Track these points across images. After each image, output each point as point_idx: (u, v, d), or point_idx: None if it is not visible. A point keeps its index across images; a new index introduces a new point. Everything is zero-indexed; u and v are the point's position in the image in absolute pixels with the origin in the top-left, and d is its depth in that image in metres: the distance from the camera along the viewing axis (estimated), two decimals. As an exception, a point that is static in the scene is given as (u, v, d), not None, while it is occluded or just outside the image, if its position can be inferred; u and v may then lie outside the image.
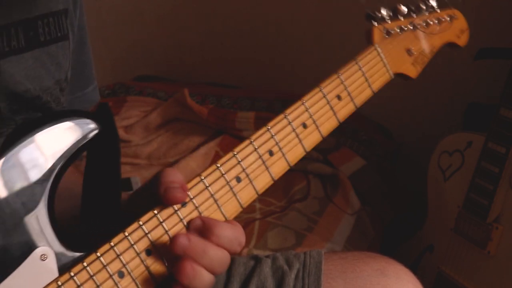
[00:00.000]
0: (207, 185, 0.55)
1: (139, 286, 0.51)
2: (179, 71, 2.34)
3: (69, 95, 0.75)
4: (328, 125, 0.63)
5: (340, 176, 1.61)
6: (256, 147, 0.58)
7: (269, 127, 0.59)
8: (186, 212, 0.54)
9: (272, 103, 1.89)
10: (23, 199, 0.49)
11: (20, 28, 0.61)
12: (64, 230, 0.51)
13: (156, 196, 0.53)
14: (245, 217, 1.43)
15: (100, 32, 2.19)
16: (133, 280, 0.51)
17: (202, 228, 0.53)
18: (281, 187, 1.60)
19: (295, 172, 1.65)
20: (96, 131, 0.53)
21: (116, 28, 2.33)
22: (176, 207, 0.53)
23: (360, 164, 1.68)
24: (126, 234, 0.51)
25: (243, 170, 0.57)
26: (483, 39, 1.58)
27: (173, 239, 0.51)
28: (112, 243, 0.50)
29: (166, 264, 0.52)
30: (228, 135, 1.82)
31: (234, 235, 0.54)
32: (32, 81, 0.62)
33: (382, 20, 0.68)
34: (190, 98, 1.92)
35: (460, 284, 1.40)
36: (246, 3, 2.13)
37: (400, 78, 0.72)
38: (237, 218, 1.58)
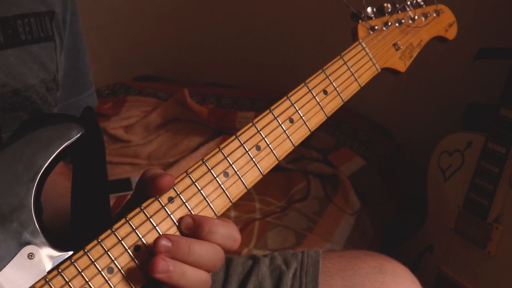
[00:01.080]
0: (194, 180, 0.55)
1: (130, 282, 0.51)
2: (179, 71, 2.34)
3: (63, 101, 0.76)
4: (316, 119, 0.64)
5: (340, 176, 1.61)
6: (242, 142, 0.58)
7: (254, 122, 0.59)
8: (174, 208, 0.53)
9: (272, 103, 1.88)
10: (8, 200, 0.50)
11: None
12: (53, 234, 0.52)
13: (143, 196, 0.53)
14: (245, 217, 1.43)
15: (100, 32, 2.19)
16: (123, 276, 0.51)
17: (192, 226, 0.52)
18: (281, 187, 1.60)
19: (295, 172, 1.65)
20: (79, 134, 0.54)
21: (116, 28, 2.33)
22: (163, 202, 0.53)
23: (360, 164, 1.68)
24: (113, 229, 0.51)
25: (230, 165, 0.57)
26: (483, 39, 1.58)
27: (154, 242, 0.51)
28: (99, 239, 0.50)
29: None
30: (228, 135, 1.81)
31: (227, 231, 0.53)
32: (12, 78, 0.63)
33: (367, 18, 0.70)
34: (190, 98, 1.92)
35: (460, 284, 1.40)
36: (246, 3, 2.13)
37: (389, 72, 0.74)
38: (237, 218, 1.58)
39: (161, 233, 0.52)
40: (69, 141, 0.53)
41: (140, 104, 2.03)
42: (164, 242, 0.50)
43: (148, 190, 0.52)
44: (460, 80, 1.76)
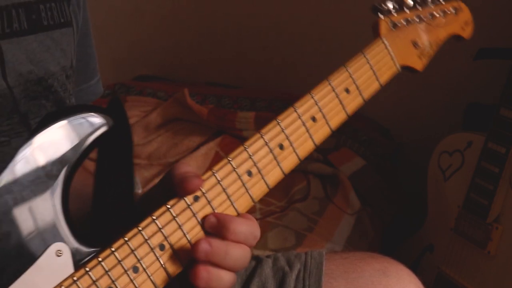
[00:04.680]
0: (219, 179, 0.54)
1: (154, 281, 0.51)
2: (179, 71, 2.34)
3: (75, 87, 0.75)
4: (338, 118, 0.63)
5: (340, 176, 1.61)
6: (267, 141, 0.57)
7: (279, 121, 0.58)
8: (199, 207, 0.53)
9: (272, 103, 1.89)
10: (38, 195, 0.49)
11: (21, 10, 0.60)
12: (79, 226, 0.51)
13: (169, 191, 0.53)
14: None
15: (100, 32, 2.19)
16: (148, 275, 0.51)
17: (217, 226, 0.52)
18: (281, 187, 1.60)
19: (295, 172, 1.65)
20: (108, 126, 0.53)
21: (116, 28, 2.33)
22: (189, 201, 0.53)
23: (360, 164, 1.68)
24: (140, 228, 0.50)
25: (254, 164, 0.56)
26: (483, 39, 1.58)
27: (194, 245, 0.51)
28: (126, 238, 0.50)
29: (180, 260, 0.52)
30: (228, 135, 1.82)
31: (250, 229, 0.53)
32: (36, 65, 0.62)
33: (388, 12, 0.68)
34: (190, 98, 1.92)
35: (460, 284, 1.40)
36: (246, 3, 2.13)
37: (406, 71, 0.72)
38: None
39: (186, 233, 0.52)
40: (99, 133, 0.52)
41: (140, 104, 2.03)
42: (204, 246, 0.50)
43: (176, 189, 0.52)
44: (460, 80, 1.76)
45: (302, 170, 1.66)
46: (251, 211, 1.68)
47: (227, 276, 0.52)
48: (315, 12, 1.98)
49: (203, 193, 0.53)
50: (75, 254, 0.50)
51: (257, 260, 0.77)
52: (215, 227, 0.53)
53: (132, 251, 0.50)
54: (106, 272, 0.49)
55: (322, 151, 1.70)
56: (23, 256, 0.48)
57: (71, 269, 0.49)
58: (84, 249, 0.50)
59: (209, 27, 2.23)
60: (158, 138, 1.85)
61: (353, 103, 0.64)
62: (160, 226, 0.51)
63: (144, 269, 0.50)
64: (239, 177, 0.55)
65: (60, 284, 0.48)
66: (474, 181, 1.34)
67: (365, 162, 1.69)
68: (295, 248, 1.30)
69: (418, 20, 0.71)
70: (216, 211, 0.54)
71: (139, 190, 1.52)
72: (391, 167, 1.79)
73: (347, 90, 0.63)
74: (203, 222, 0.53)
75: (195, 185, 0.52)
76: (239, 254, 0.52)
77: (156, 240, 0.51)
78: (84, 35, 0.74)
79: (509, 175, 1.27)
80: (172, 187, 0.53)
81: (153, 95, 2.07)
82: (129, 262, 0.50)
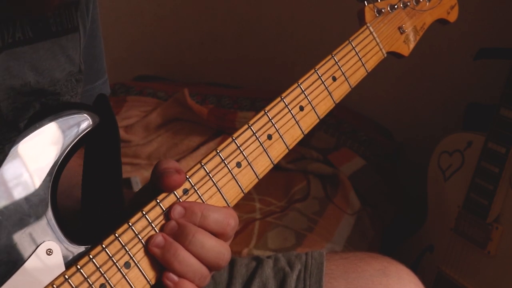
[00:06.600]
0: (208, 171, 0.55)
1: (146, 276, 0.51)
2: (179, 71, 2.34)
3: None
4: (324, 106, 0.64)
5: (340, 176, 1.61)
6: (255, 131, 0.58)
7: (266, 111, 0.59)
8: (189, 200, 0.54)
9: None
10: (27, 195, 0.49)
11: (26, 19, 0.60)
12: (69, 224, 0.51)
13: (156, 188, 0.53)
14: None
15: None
16: (140, 270, 0.51)
17: (185, 214, 0.52)
18: (281, 187, 1.60)
19: (295, 172, 1.66)
20: (94, 123, 0.53)
21: (116, 28, 2.33)
22: (178, 195, 0.53)
23: (360, 164, 1.68)
24: (130, 224, 0.51)
25: (243, 154, 0.57)
26: (483, 39, 1.59)
27: (164, 225, 0.51)
28: (116, 234, 0.50)
29: None
30: (228, 135, 1.81)
31: (220, 215, 0.53)
32: (41, 73, 0.61)
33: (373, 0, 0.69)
34: (190, 98, 1.92)
35: (460, 284, 1.40)
36: (246, 3, 2.13)
37: (393, 56, 0.74)
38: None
39: None
40: (85, 132, 0.52)
41: (140, 104, 2.03)
42: (170, 225, 0.51)
43: (158, 185, 0.52)
44: (460, 80, 1.76)
45: (302, 170, 1.66)
46: (251, 210, 1.68)
47: (190, 261, 0.51)
48: (315, 12, 1.98)
49: (192, 186, 0.54)
50: (65, 252, 0.50)
51: (257, 261, 0.77)
52: (183, 215, 0.52)
53: (123, 246, 0.50)
54: (98, 268, 0.49)
55: (322, 151, 1.70)
56: (13, 255, 0.48)
57: (62, 268, 0.49)
58: (75, 247, 0.50)
59: (209, 27, 2.23)
60: (158, 138, 1.85)
61: (339, 90, 0.65)
62: (150, 221, 0.52)
63: (136, 264, 0.51)
64: (228, 168, 0.56)
65: (51, 283, 0.48)
66: (474, 181, 1.34)
67: (365, 162, 1.69)
68: (295, 248, 1.30)
69: (403, 6, 0.72)
70: (206, 203, 0.54)
71: (139, 190, 1.52)
72: (391, 167, 1.79)
73: (333, 78, 0.64)
74: (169, 213, 0.53)
75: (174, 181, 0.52)
76: (209, 243, 0.51)
77: (146, 234, 0.51)
78: (89, 36, 0.74)
79: (509, 175, 1.27)
80: (156, 184, 0.52)
81: (153, 95, 2.07)
82: (121, 257, 0.50)
